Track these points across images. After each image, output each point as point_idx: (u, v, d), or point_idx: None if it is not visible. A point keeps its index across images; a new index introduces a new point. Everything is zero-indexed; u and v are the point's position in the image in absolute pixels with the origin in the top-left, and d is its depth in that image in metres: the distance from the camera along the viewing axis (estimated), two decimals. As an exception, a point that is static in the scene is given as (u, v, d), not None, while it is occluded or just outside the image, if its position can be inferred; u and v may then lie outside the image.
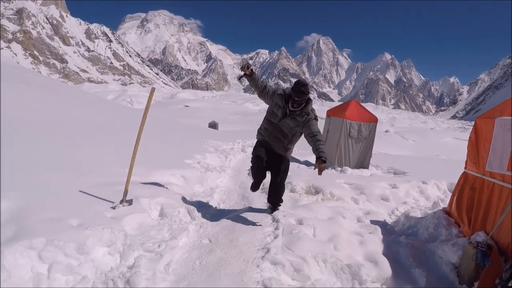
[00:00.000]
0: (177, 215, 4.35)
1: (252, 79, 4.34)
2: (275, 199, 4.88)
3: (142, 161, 5.79)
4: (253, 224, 4.40)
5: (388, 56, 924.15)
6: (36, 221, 3.02)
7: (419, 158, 17.23)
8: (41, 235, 2.77)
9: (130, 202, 4.05)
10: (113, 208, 3.83)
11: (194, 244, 3.66)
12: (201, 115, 46.01)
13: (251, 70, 4.30)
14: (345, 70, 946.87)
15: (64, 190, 4.05)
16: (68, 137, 7.48)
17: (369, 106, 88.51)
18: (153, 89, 4.17)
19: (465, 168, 4.48)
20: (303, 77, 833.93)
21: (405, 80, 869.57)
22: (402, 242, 4.30)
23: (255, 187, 4.83)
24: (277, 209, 4.83)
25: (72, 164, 5.32)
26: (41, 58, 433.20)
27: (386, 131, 42.61)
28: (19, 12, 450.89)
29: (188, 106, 58.51)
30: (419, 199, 6.92)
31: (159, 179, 5.57)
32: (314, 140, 4.01)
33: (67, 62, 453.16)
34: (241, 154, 11.07)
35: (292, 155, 10.96)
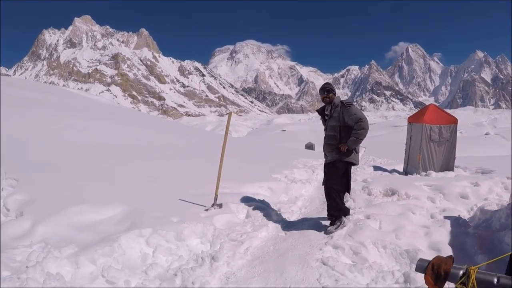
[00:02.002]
0: (261, 216, 4.91)
1: None
2: (328, 206, 4.64)
3: (234, 177, 6.58)
4: (326, 220, 4.74)
5: (480, 54, 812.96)
6: (145, 218, 3.95)
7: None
8: (149, 227, 3.65)
9: (220, 205, 4.80)
10: (206, 210, 4.61)
11: (271, 236, 4.23)
12: (298, 138, 45.89)
13: None
14: (438, 76, 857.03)
15: (168, 198, 5.05)
16: (174, 159, 8.68)
17: (468, 110, 79.42)
18: (230, 113, 4.92)
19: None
20: (397, 88, 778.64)
21: (502, 76, 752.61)
22: (470, 232, 4.24)
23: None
24: (335, 224, 4.35)
25: (177, 180, 6.43)
26: (139, 98, 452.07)
27: (487, 134, 38.01)
28: (115, 57, 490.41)
29: (285, 130, 58.22)
30: (502, 195, 6.38)
31: (247, 190, 6.19)
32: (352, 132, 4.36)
33: (164, 99, 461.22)
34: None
35: (379, 165, 11.04)
